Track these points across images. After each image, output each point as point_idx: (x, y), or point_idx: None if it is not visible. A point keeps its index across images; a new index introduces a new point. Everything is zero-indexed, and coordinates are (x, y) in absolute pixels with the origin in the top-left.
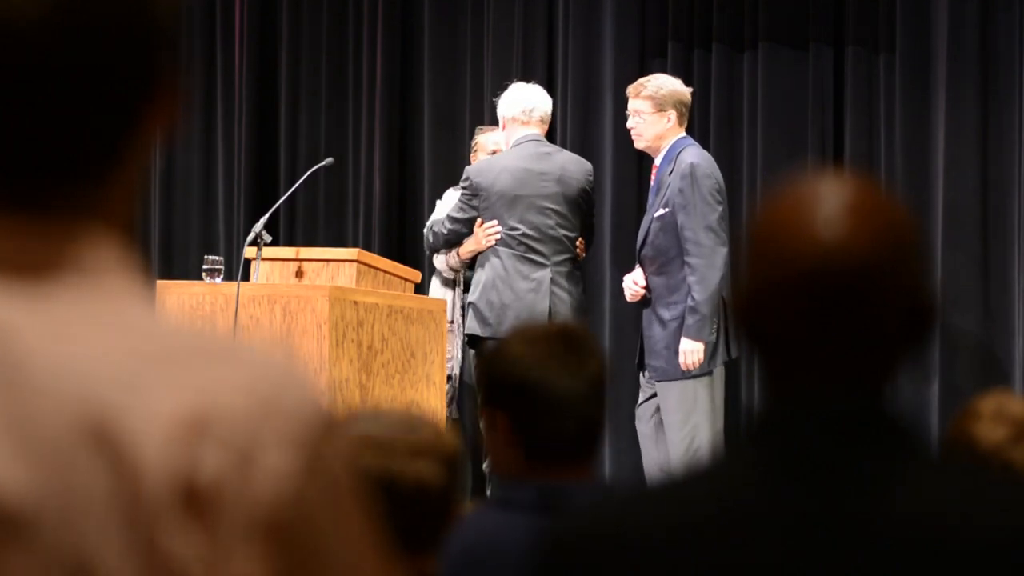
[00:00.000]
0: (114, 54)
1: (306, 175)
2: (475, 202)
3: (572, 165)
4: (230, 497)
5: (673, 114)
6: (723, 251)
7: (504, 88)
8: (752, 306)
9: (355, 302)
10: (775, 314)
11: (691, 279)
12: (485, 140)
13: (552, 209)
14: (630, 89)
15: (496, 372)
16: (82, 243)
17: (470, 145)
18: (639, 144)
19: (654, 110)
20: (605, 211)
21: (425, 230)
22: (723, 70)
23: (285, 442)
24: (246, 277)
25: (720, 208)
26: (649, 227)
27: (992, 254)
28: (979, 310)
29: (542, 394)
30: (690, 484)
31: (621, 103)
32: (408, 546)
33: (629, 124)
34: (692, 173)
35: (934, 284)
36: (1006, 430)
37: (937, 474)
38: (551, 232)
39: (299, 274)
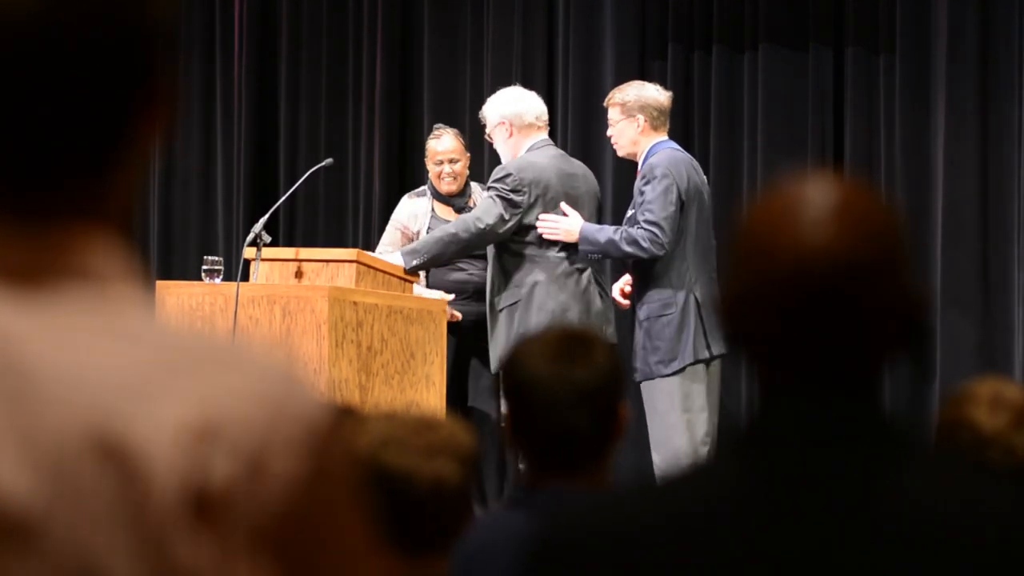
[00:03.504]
0: (110, 50)
1: (306, 175)
2: (521, 197)
3: (587, 169)
4: (240, 504)
5: (642, 118)
6: (656, 250)
7: (495, 92)
8: (739, 307)
9: (355, 302)
10: (762, 316)
11: (633, 233)
12: (435, 145)
13: (586, 210)
14: (605, 102)
15: (503, 375)
16: (83, 247)
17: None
18: (620, 152)
19: (623, 116)
20: (606, 212)
21: (405, 249)
22: (723, 70)
23: (293, 448)
24: (245, 277)
25: (671, 208)
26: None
27: (992, 254)
28: (979, 310)
29: (528, 397)
30: (677, 486)
31: None
32: (424, 544)
33: (608, 134)
34: (650, 172)
35: (923, 286)
36: (1008, 416)
37: (927, 474)
38: None
39: (299, 274)
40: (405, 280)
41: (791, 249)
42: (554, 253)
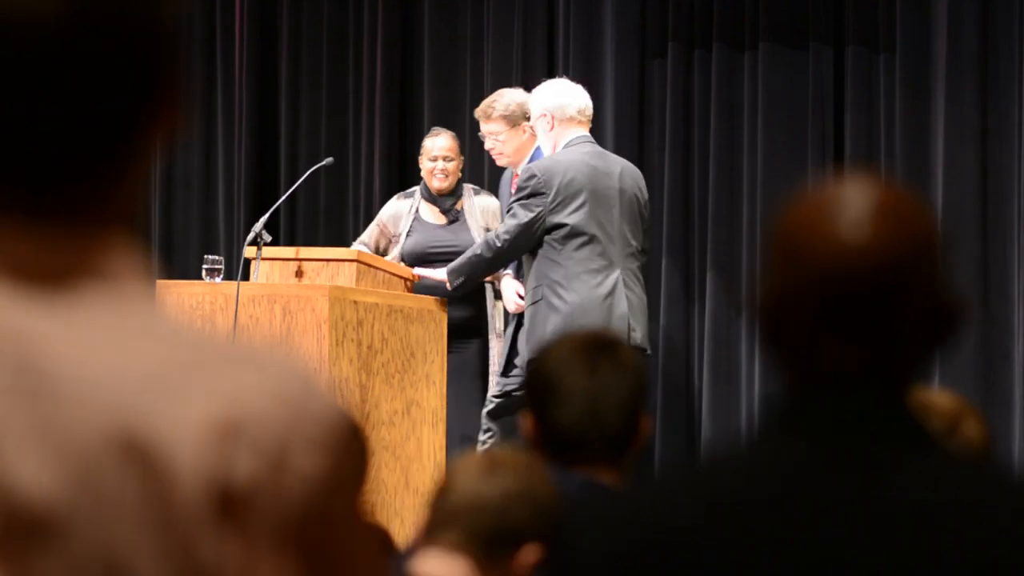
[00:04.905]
0: (126, 51)
1: (306, 175)
2: (541, 200)
3: (628, 167)
4: (262, 502)
5: (526, 124)
6: None
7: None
8: (776, 306)
9: (355, 302)
10: (800, 313)
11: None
12: (431, 143)
13: (618, 208)
14: (479, 113)
15: (527, 375)
16: (100, 247)
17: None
18: (502, 161)
19: (508, 127)
20: None
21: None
22: (723, 70)
23: (314, 447)
24: (246, 277)
25: None
26: None
27: (992, 254)
28: (979, 310)
29: (554, 388)
30: (723, 469)
31: (622, 103)
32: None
33: (487, 147)
34: None
35: (959, 288)
36: (940, 422)
37: (957, 473)
38: (619, 232)
39: (299, 274)
40: (405, 280)
41: (830, 249)
42: (576, 253)
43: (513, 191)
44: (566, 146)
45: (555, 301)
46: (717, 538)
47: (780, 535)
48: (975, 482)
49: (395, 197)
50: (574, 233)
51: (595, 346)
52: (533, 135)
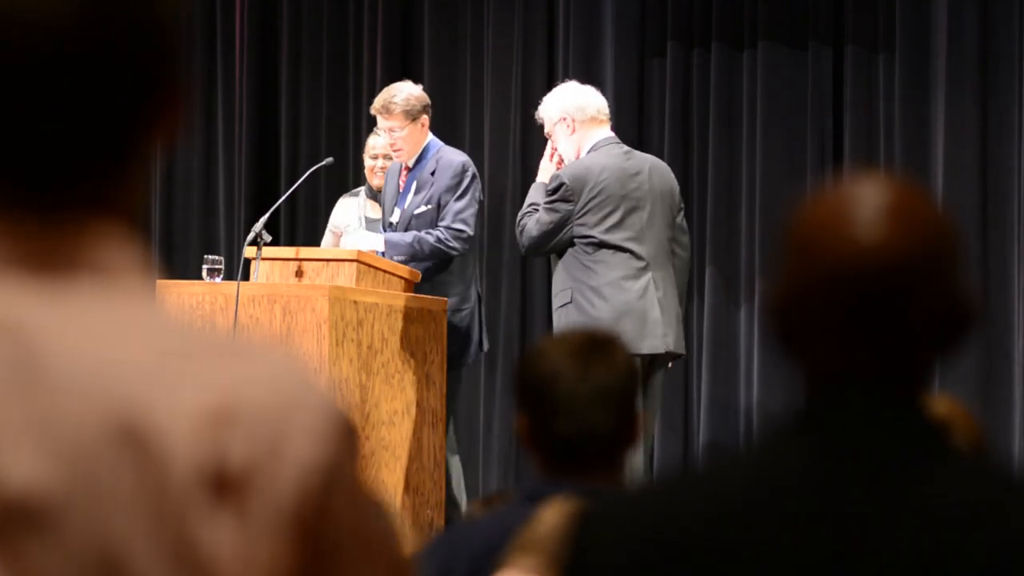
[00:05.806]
0: (129, 49)
1: (306, 175)
2: (568, 208)
3: (656, 164)
4: (258, 487)
5: (425, 118)
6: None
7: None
8: (789, 305)
9: (355, 302)
10: (813, 314)
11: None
12: (374, 141)
13: (648, 211)
14: (379, 109)
15: (518, 375)
16: (97, 241)
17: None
18: (402, 157)
19: (409, 122)
20: None
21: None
22: (723, 70)
23: (309, 436)
24: (246, 277)
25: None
26: (409, 224)
27: (992, 254)
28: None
29: (548, 395)
30: (736, 470)
31: (622, 103)
32: None
33: (388, 142)
34: (466, 170)
35: (972, 288)
36: None
37: (973, 473)
38: (652, 235)
39: (299, 274)
40: (406, 280)
41: (843, 249)
42: (611, 259)
43: (402, 184)
44: (592, 148)
45: (588, 308)
46: (730, 540)
47: (793, 536)
48: (987, 483)
49: (342, 198)
50: (606, 244)
51: (588, 347)
52: (427, 129)
